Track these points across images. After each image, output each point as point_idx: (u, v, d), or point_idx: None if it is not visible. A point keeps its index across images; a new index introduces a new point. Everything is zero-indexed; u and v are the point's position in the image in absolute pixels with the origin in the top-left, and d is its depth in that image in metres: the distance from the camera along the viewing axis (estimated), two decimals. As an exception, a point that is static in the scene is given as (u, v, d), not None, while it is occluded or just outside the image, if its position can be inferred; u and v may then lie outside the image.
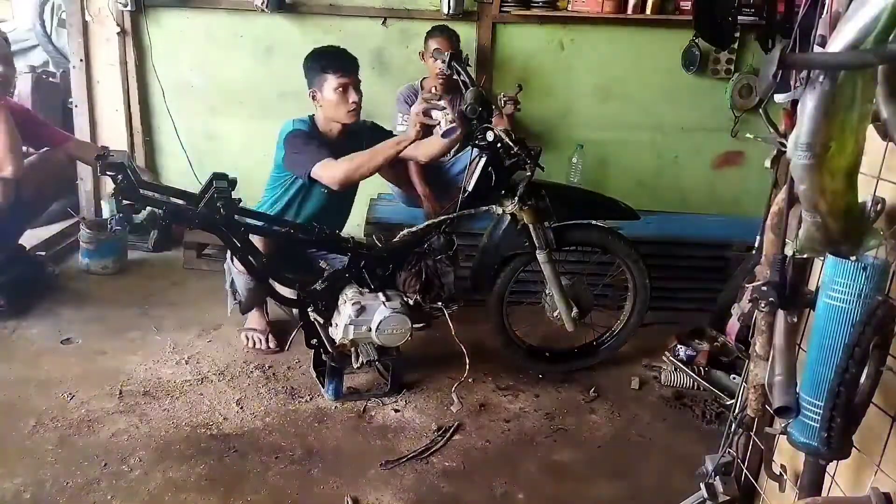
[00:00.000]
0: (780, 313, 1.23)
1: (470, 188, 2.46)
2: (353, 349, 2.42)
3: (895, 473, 1.19)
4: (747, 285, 1.27)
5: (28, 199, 3.01)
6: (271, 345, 2.75)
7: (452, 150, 3.60)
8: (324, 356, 2.45)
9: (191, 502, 1.88)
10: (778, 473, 1.47)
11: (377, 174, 3.48)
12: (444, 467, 2.12)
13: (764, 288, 1.21)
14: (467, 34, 3.77)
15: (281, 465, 2.07)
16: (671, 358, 2.74)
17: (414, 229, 2.55)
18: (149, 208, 2.27)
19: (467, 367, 2.40)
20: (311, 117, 2.80)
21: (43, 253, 3.46)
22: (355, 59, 2.70)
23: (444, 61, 2.73)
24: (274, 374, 2.60)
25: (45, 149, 3.12)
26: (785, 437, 1.22)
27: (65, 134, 3.26)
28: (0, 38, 2.97)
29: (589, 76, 3.88)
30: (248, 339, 2.77)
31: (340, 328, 2.33)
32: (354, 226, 3.63)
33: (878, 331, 1.02)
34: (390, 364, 2.50)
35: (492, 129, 2.38)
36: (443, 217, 2.50)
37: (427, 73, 3.53)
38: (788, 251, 1.21)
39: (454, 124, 2.41)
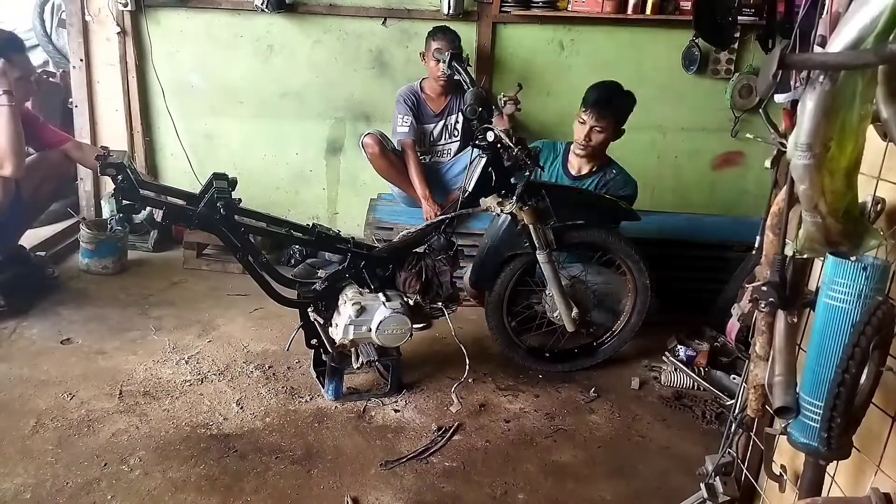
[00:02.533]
0: (780, 313, 1.23)
1: (470, 188, 2.46)
2: (353, 349, 2.42)
3: (895, 473, 1.18)
4: (747, 285, 1.26)
5: (27, 198, 3.01)
6: None
7: (452, 152, 3.62)
8: (324, 356, 2.45)
9: (191, 502, 1.88)
10: (778, 473, 1.47)
11: (378, 174, 3.49)
12: (444, 467, 2.12)
13: (764, 288, 1.20)
14: (467, 34, 3.77)
15: (281, 465, 2.07)
16: (671, 358, 2.74)
17: (413, 229, 2.56)
18: (149, 208, 2.27)
19: (467, 367, 2.41)
20: None
21: (43, 253, 3.46)
22: None
23: (444, 61, 2.73)
24: (274, 374, 2.61)
25: (45, 149, 3.12)
26: (785, 437, 1.22)
27: (63, 134, 3.26)
28: (25, 57, 2.98)
29: (589, 76, 3.86)
30: None
31: (340, 328, 2.33)
32: (354, 226, 3.64)
33: (878, 331, 1.02)
34: (390, 364, 2.50)
35: (492, 130, 2.38)
36: (442, 217, 2.51)
37: (426, 74, 3.53)
38: (788, 251, 1.21)
39: None
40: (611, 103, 2.76)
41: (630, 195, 2.92)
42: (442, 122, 3.54)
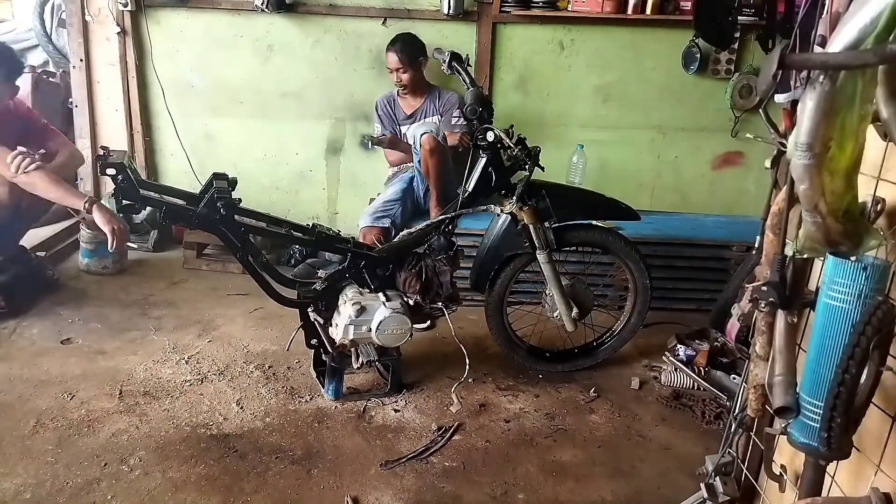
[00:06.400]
0: (780, 313, 1.23)
1: (470, 188, 2.46)
2: (353, 349, 2.42)
3: (895, 473, 1.18)
4: (747, 285, 1.26)
5: (29, 199, 3.00)
6: None
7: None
8: (324, 356, 2.45)
9: (191, 502, 1.88)
10: (778, 473, 1.47)
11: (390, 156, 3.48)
12: (444, 467, 2.12)
13: (764, 288, 1.20)
14: (467, 34, 3.78)
15: (281, 465, 2.07)
16: (671, 358, 2.74)
17: (414, 229, 2.56)
18: (149, 208, 2.27)
19: (467, 367, 2.41)
20: None
21: (43, 253, 3.46)
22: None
23: (444, 61, 2.73)
24: (274, 374, 2.61)
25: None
26: (785, 437, 1.22)
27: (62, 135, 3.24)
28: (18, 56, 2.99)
29: (589, 76, 3.88)
30: None
31: (340, 328, 2.33)
32: (354, 226, 3.64)
33: (878, 331, 1.02)
34: (390, 364, 2.50)
35: (492, 130, 2.38)
36: (442, 217, 2.51)
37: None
38: (788, 251, 1.21)
39: None
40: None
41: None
42: (413, 124, 3.54)
